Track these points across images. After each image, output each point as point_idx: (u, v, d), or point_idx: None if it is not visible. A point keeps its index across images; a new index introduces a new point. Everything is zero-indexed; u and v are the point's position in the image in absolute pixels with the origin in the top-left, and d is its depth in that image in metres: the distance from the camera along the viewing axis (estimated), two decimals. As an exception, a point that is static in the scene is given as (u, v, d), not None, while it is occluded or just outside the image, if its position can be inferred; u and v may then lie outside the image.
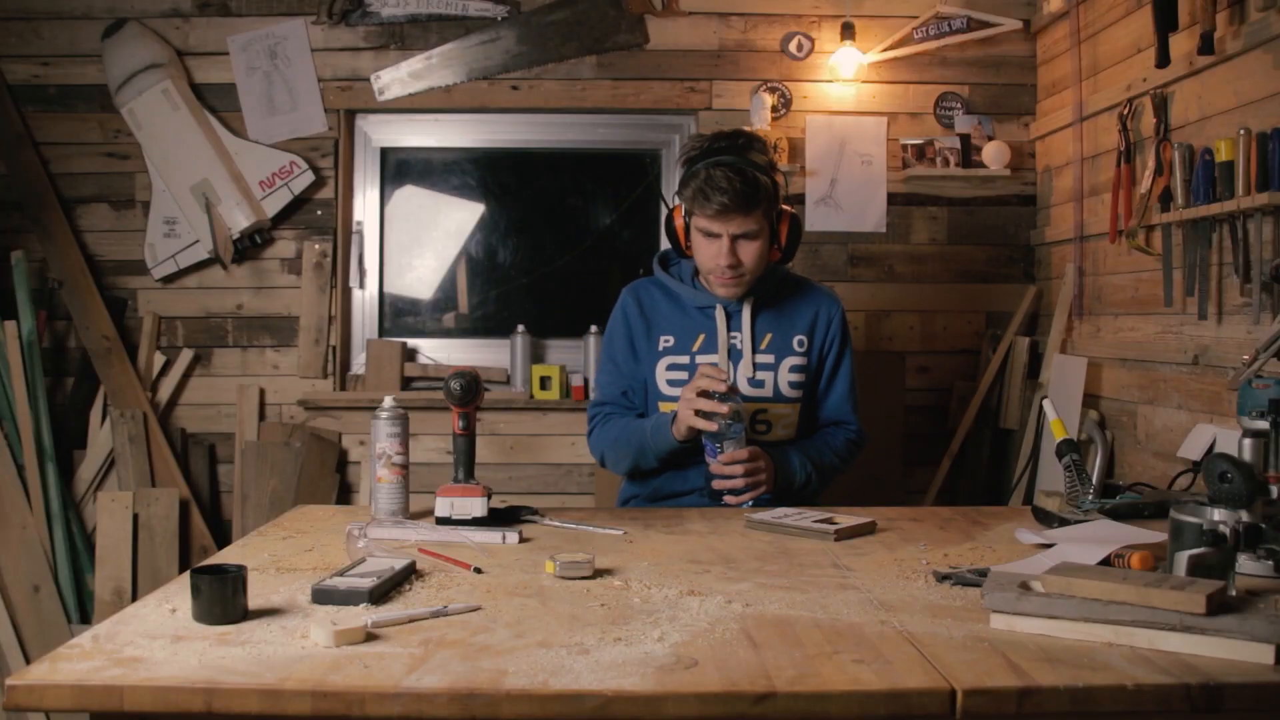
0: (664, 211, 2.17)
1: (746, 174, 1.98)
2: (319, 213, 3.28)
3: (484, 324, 3.47)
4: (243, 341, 3.29)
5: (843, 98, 3.28)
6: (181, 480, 3.19)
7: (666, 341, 2.16)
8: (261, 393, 3.27)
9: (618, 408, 2.21)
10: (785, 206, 2.12)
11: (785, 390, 2.13)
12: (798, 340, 2.16)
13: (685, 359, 2.14)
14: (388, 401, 1.80)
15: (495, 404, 3.23)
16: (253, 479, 3.21)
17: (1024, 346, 3.17)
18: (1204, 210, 2.28)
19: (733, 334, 2.13)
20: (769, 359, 2.13)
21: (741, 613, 1.27)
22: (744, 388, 2.10)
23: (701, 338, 2.14)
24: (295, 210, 3.26)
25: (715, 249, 2.05)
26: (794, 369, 2.14)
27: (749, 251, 2.06)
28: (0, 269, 3.17)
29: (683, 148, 2.14)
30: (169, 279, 3.25)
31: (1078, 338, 3.01)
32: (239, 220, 3.17)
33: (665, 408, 2.15)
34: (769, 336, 2.15)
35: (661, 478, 2.15)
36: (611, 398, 2.21)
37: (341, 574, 1.36)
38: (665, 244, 3.67)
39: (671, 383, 2.14)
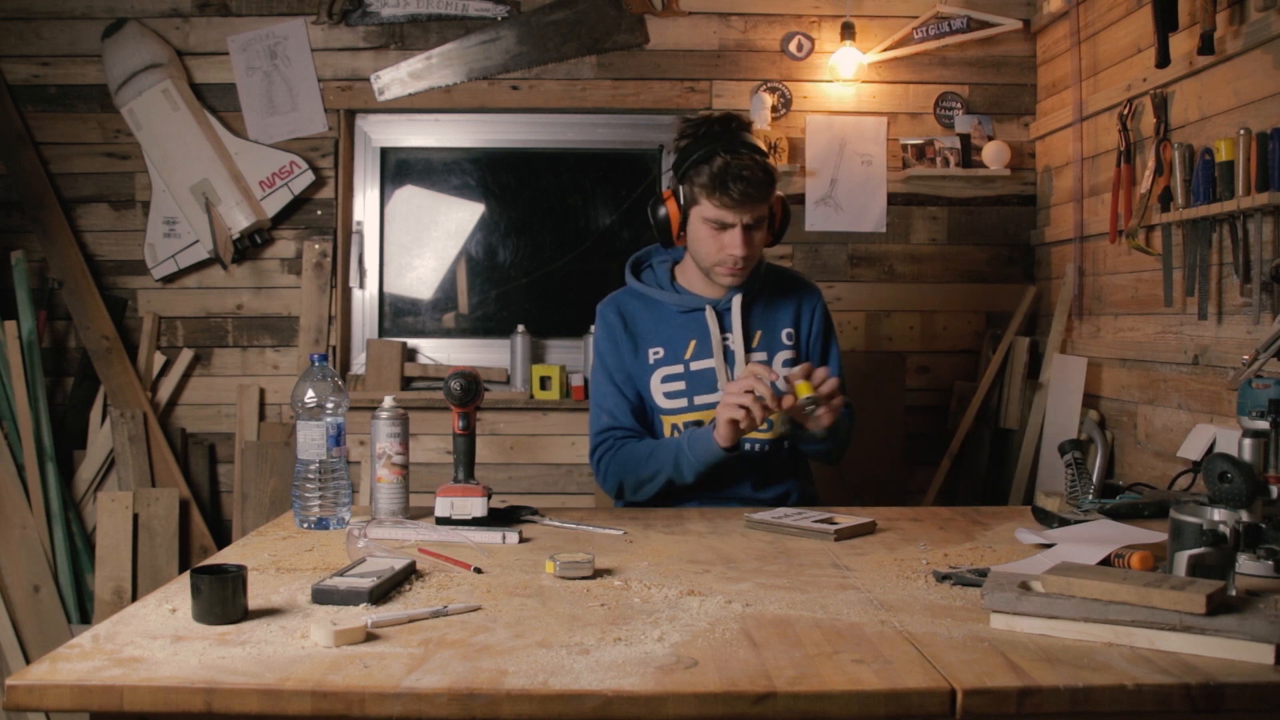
0: (658, 201, 2.05)
1: (759, 159, 1.94)
2: (319, 213, 3.28)
3: (484, 324, 3.47)
4: (243, 341, 3.29)
5: (843, 98, 3.28)
6: (181, 480, 3.19)
7: (656, 354, 2.08)
8: (261, 393, 3.27)
9: (629, 431, 2.07)
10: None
11: (782, 385, 2.05)
12: (786, 333, 2.11)
13: (679, 368, 2.06)
14: (388, 401, 1.80)
15: (495, 404, 3.23)
16: (253, 479, 3.21)
17: (1024, 346, 3.17)
18: (1204, 210, 2.28)
19: (725, 334, 2.07)
20: (761, 356, 2.08)
21: (741, 613, 1.27)
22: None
23: (693, 344, 2.06)
24: (295, 210, 3.26)
25: (727, 239, 1.97)
26: (786, 364, 2.08)
27: (758, 239, 2.01)
28: (0, 269, 3.17)
29: (679, 132, 2.04)
30: (169, 279, 3.25)
31: (1078, 338, 3.01)
32: (239, 220, 3.17)
33: (667, 421, 2.08)
34: (759, 333, 2.10)
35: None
36: (621, 421, 2.07)
37: (341, 574, 1.36)
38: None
39: (669, 395, 2.06)
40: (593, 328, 3.26)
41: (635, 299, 2.13)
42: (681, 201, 2.01)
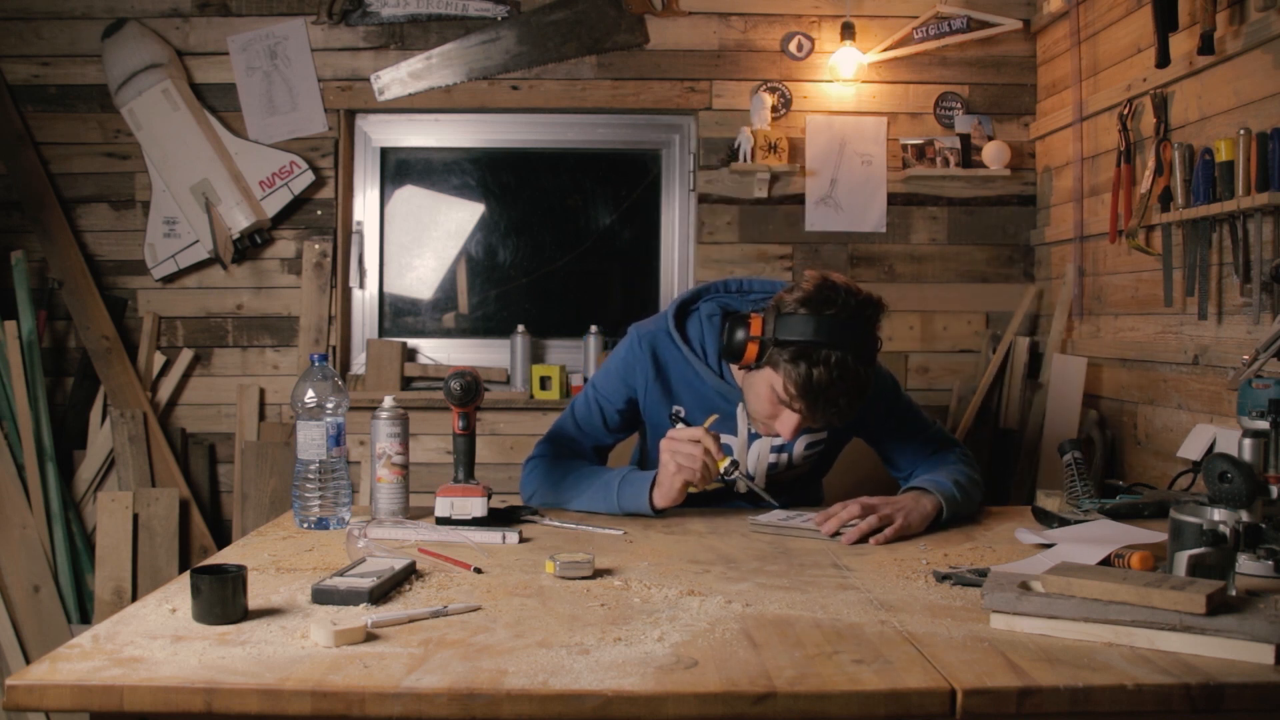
0: (745, 329, 1.75)
1: (857, 390, 1.71)
2: (319, 213, 3.28)
3: (484, 324, 3.47)
4: (243, 341, 3.29)
5: (843, 98, 3.28)
6: (181, 480, 3.19)
7: (678, 411, 1.94)
8: (261, 393, 3.27)
9: (579, 449, 2.01)
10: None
11: (799, 460, 1.98)
12: None
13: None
14: (388, 401, 1.80)
15: (495, 404, 3.23)
16: (253, 479, 3.21)
17: (1024, 346, 3.17)
18: (1204, 210, 2.28)
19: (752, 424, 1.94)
20: (780, 440, 1.94)
21: (741, 613, 1.27)
22: (754, 466, 1.96)
23: (715, 417, 1.93)
24: (295, 210, 3.26)
25: (784, 417, 1.76)
26: (810, 445, 1.98)
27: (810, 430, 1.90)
28: (0, 269, 3.17)
29: (803, 289, 1.73)
30: (169, 279, 3.25)
31: (1078, 338, 3.01)
32: (239, 220, 3.17)
33: None
34: None
35: None
36: (580, 438, 2.01)
37: (341, 574, 1.36)
38: (665, 243, 3.64)
39: None
40: (593, 328, 3.28)
41: (675, 349, 1.95)
42: (763, 354, 1.75)
